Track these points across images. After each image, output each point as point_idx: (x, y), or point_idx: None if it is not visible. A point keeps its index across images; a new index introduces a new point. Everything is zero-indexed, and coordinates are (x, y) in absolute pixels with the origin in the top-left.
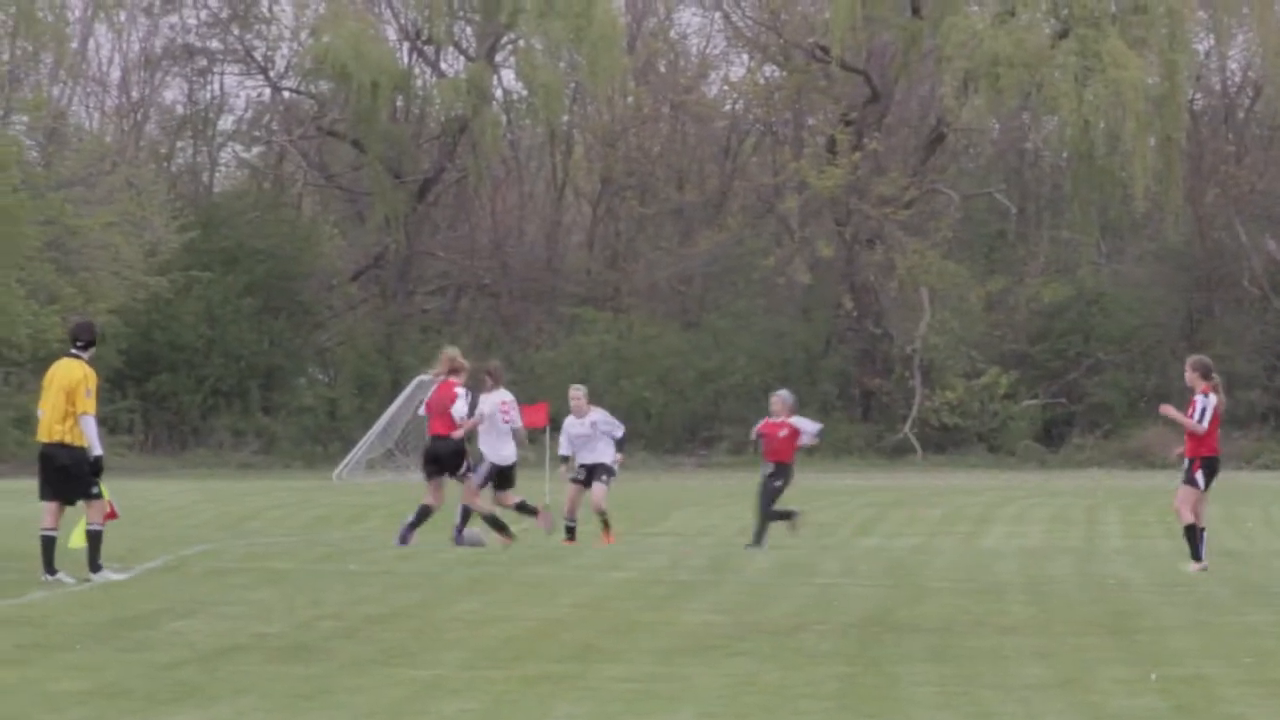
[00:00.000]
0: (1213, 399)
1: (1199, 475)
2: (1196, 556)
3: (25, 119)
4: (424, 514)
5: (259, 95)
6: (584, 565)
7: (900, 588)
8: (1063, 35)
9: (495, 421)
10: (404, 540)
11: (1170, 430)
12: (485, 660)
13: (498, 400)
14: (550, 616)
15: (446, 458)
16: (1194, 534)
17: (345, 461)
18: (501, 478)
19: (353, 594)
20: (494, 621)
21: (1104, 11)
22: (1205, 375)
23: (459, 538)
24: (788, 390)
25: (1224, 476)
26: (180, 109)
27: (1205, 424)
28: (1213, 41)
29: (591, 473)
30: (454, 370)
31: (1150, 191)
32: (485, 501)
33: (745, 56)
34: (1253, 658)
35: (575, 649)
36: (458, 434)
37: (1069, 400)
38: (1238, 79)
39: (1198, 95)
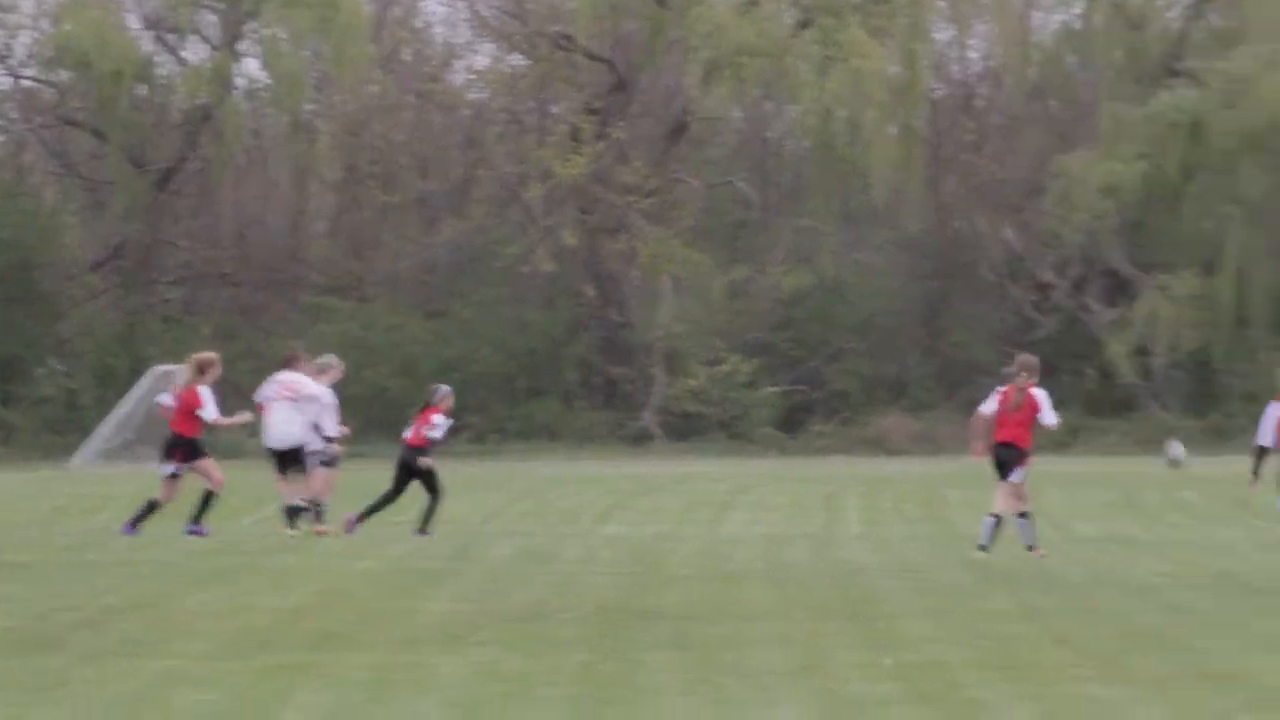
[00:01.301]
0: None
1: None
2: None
3: None
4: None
5: None
6: (326, 554)
7: (642, 575)
8: (805, 25)
9: (270, 404)
10: (129, 529)
11: (907, 418)
12: (226, 650)
13: (278, 381)
14: (292, 606)
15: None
16: (995, 522)
17: (81, 451)
18: (282, 461)
19: (91, 585)
20: (235, 611)
21: (845, 1)
22: (1028, 373)
23: (128, 528)
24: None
25: (965, 462)
26: None
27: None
28: (953, 31)
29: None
30: (201, 370)
31: (890, 180)
32: (290, 490)
33: (490, 45)
34: (990, 642)
35: (317, 638)
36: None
37: (809, 388)
38: (977, 68)
39: (938, 85)
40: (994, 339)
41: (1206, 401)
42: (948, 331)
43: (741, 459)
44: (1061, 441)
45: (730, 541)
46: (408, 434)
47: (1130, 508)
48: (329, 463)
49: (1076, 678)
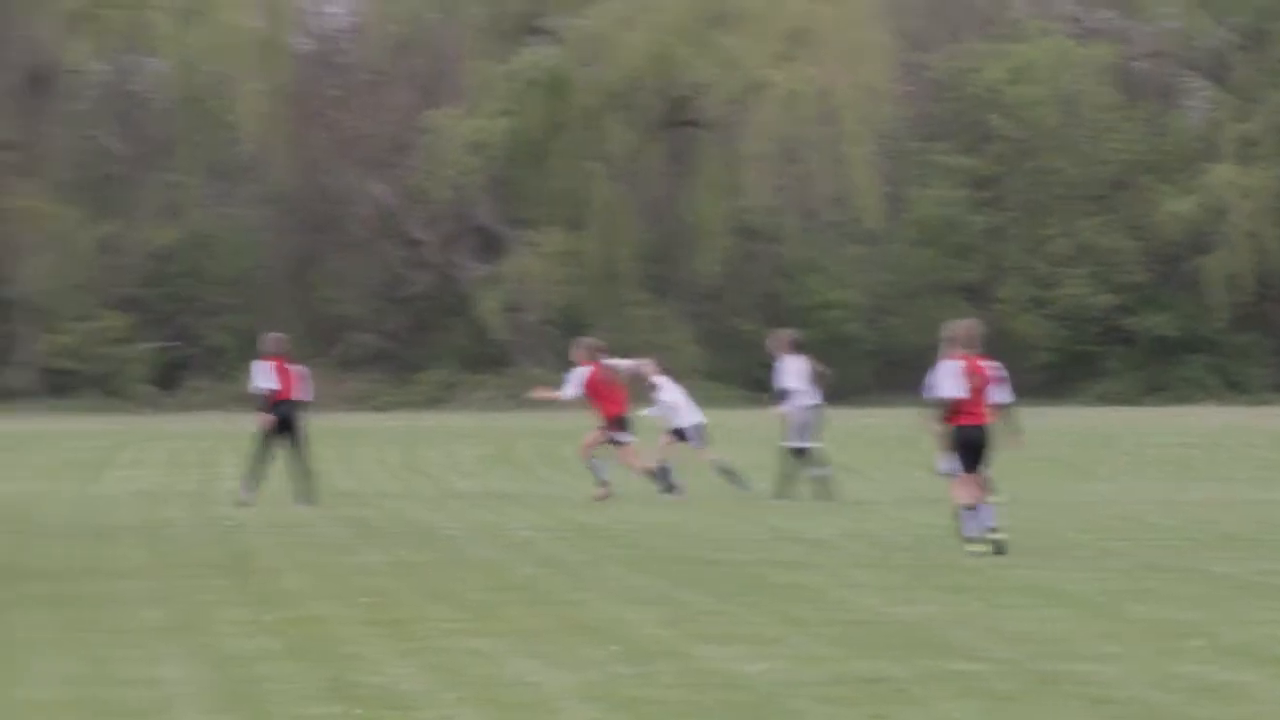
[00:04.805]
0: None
1: None
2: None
3: None
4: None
5: None
6: None
7: (14, 534)
8: None
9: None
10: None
11: None
12: None
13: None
14: None
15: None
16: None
17: None
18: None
19: None
20: None
21: None
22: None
23: None
24: None
25: (339, 418)
26: None
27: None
28: None
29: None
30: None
31: (257, 135)
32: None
33: None
34: (368, 597)
35: None
36: None
37: (184, 343)
38: (340, 23)
39: (301, 39)
40: (366, 295)
41: None
42: (319, 287)
43: (118, 416)
44: (436, 398)
45: (106, 499)
46: None
47: (505, 462)
48: None
49: (452, 631)
